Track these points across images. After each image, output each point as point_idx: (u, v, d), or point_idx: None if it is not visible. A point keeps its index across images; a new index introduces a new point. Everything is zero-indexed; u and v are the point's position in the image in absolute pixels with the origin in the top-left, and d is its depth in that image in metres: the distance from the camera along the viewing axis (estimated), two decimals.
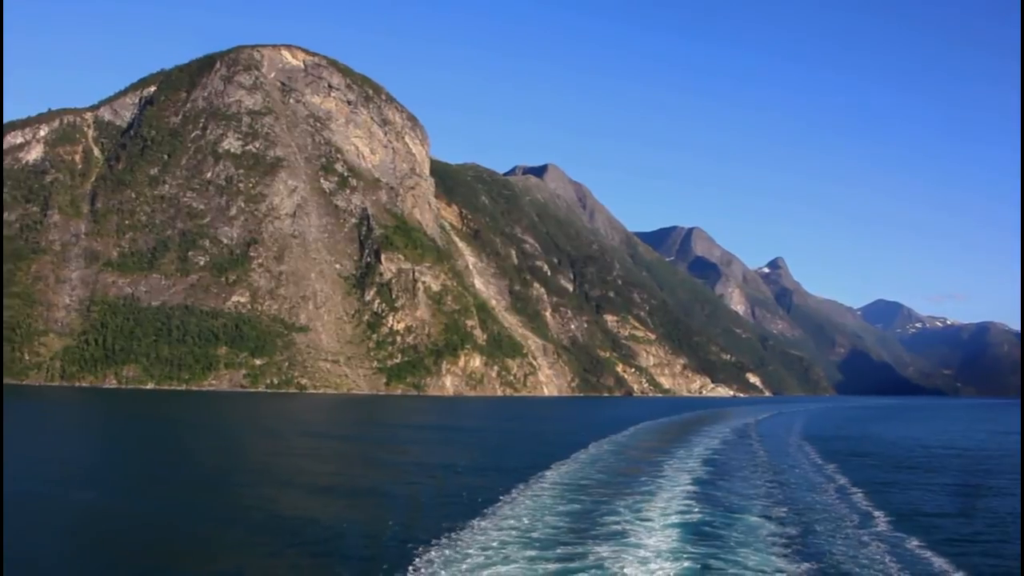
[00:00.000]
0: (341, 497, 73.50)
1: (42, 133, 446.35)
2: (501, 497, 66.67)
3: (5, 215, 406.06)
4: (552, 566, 45.24)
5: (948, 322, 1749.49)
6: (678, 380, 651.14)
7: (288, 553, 49.96)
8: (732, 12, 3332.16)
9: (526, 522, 57.15)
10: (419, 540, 50.15)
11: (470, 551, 47.86)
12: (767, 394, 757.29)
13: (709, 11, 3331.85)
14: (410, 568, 44.06)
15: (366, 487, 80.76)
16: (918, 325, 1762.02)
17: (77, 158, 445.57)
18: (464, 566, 44.76)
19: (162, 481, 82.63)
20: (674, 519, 59.71)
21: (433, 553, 47.11)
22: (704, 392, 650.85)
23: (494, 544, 49.81)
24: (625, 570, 44.39)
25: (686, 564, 46.35)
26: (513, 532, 53.33)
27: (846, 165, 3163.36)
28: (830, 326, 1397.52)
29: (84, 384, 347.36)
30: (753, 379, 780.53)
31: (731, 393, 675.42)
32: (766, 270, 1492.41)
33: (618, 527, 56.17)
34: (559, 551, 48.37)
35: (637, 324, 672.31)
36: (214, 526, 58.87)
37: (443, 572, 43.34)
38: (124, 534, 55.79)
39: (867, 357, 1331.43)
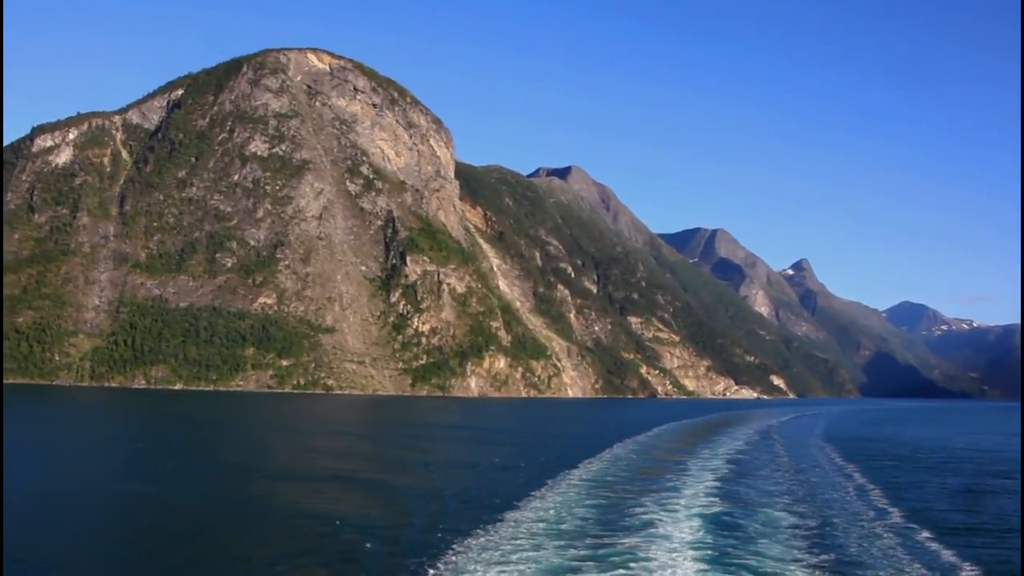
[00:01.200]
0: (374, 493, 76.41)
1: (71, 136, 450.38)
2: (531, 493, 69.30)
3: (36, 217, 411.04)
4: (581, 555, 47.72)
5: (975, 324, 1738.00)
6: (702, 382, 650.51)
7: (330, 542, 53.04)
8: (756, 14, 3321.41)
9: (555, 515, 59.99)
10: (453, 531, 53.24)
11: (502, 542, 50.45)
12: (791, 396, 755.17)
13: (732, 14, 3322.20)
14: (445, 556, 46.92)
15: (399, 483, 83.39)
16: (944, 327, 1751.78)
17: (106, 161, 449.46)
18: (496, 554, 47.44)
19: (201, 476, 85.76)
20: (698, 513, 62.28)
21: (467, 542, 50.12)
22: (728, 394, 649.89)
23: (524, 535, 52.43)
24: (652, 560, 46.59)
25: (710, 554, 48.84)
26: (542, 524, 55.97)
27: (872, 167, 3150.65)
28: (855, 328, 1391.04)
29: (113, 384, 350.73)
30: (777, 381, 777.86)
31: (755, 395, 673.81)
32: (790, 272, 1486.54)
33: (644, 520, 58.80)
34: (587, 541, 50.97)
35: (661, 326, 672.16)
36: (247, 520, 61.51)
37: (476, 561, 46.06)
38: (174, 522, 59.12)
39: (892, 359, 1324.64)
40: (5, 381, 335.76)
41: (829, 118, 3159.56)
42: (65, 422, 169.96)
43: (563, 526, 56.02)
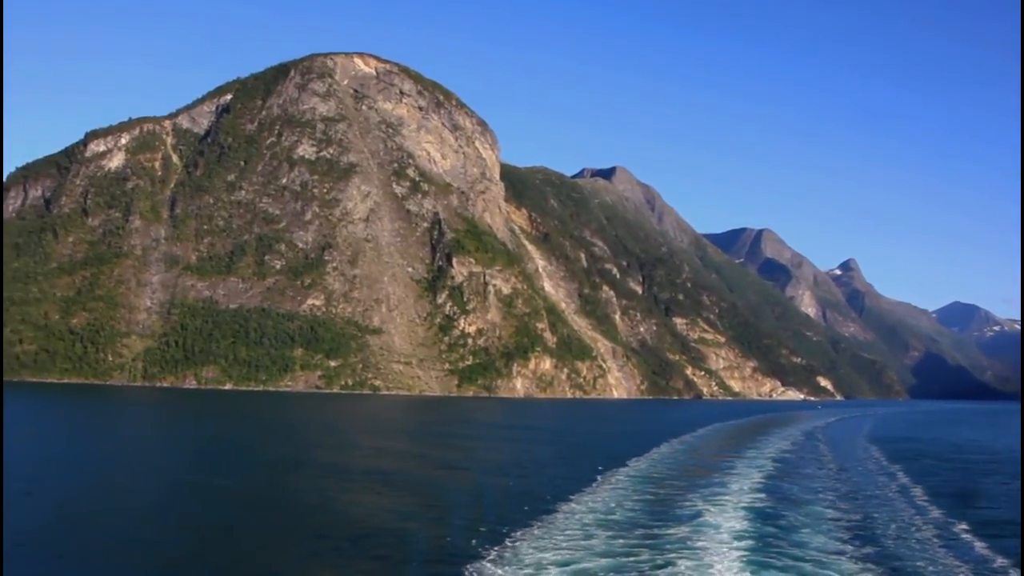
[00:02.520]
0: (431, 487, 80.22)
1: (123, 141, 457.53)
2: (582, 488, 72.27)
3: (89, 220, 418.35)
4: (631, 544, 50.64)
5: None
6: (748, 383, 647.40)
7: (393, 532, 56.66)
8: (801, 19, 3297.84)
9: (606, 507, 62.93)
10: (512, 521, 57.09)
11: (555, 531, 53.77)
12: (838, 398, 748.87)
13: (778, 17, 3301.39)
14: (505, 543, 50.54)
15: (454, 479, 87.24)
16: (996, 328, 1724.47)
17: (157, 165, 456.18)
18: (550, 543, 50.87)
19: (268, 472, 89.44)
20: (744, 506, 64.91)
21: (523, 532, 53.55)
22: (774, 395, 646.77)
23: (576, 526, 55.77)
24: (700, 549, 49.34)
25: (755, 544, 51.58)
26: (594, 516, 59.21)
27: (920, 165, 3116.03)
28: (904, 329, 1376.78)
29: (165, 384, 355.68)
30: (824, 382, 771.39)
31: (801, 396, 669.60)
32: (837, 272, 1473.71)
33: (692, 511, 61.84)
34: (637, 532, 53.79)
35: (707, 327, 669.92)
36: (309, 513, 64.82)
37: (533, 547, 49.45)
38: (253, 514, 62.85)
39: (942, 361, 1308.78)
40: (60, 380, 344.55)
41: (876, 119, 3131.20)
42: (132, 421, 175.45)
43: (614, 517, 59.33)
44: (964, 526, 59.74)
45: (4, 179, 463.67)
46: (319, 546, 52.62)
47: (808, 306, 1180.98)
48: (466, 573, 44.58)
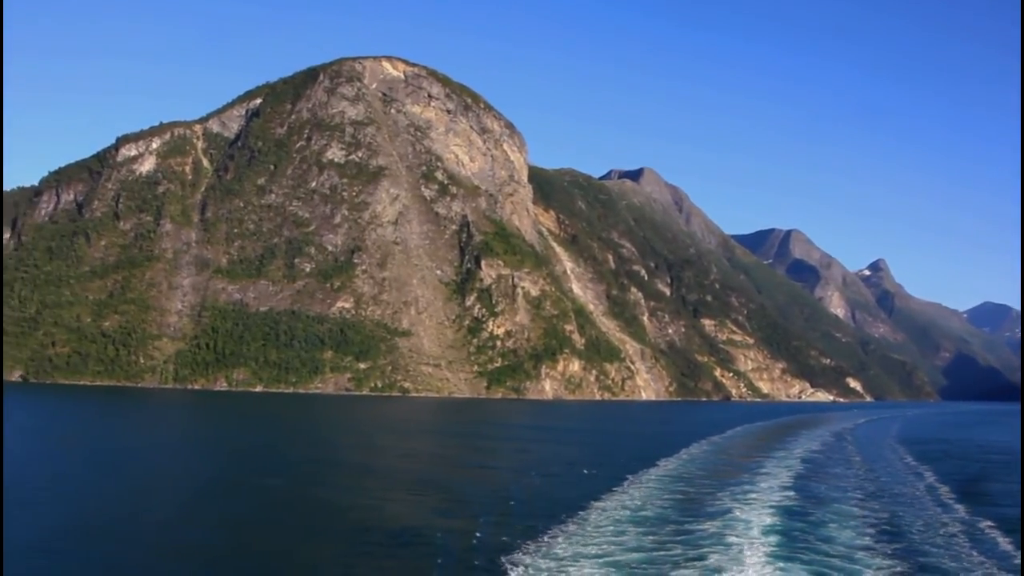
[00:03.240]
0: (472, 485, 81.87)
1: (154, 145, 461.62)
2: (613, 487, 73.73)
3: (121, 224, 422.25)
4: (662, 539, 52.45)
5: None
6: (777, 385, 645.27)
7: (433, 524, 58.11)
8: (825, 22, 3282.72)
9: (637, 504, 64.62)
10: (546, 517, 59.06)
11: (588, 527, 55.75)
12: (868, 399, 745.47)
13: (802, 22, 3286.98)
14: (540, 538, 52.33)
15: (493, 478, 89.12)
16: None
17: (187, 169, 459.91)
18: (585, 537, 52.74)
19: (313, 473, 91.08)
20: (773, 504, 66.38)
21: (557, 528, 55.44)
22: (803, 397, 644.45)
23: (608, 522, 57.78)
24: (730, 545, 50.85)
25: (784, 539, 53.17)
26: (626, 512, 60.75)
27: (951, 165, 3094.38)
28: (934, 330, 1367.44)
29: (196, 387, 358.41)
30: (853, 384, 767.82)
31: (831, 398, 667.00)
32: (867, 272, 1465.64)
33: (722, 508, 63.47)
34: (668, 528, 55.33)
35: (735, 328, 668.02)
36: (353, 510, 66.80)
37: (567, 543, 51.22)
38: (300, 513, 64.02)
39: (973, 362, 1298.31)
40: (92, 383, 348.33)
41: (906, 121, 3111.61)
42: (168, 423, 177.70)
43: (645, 513, 61.00)
44: (989, 523, 60.89)
45: (37, 183, 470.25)
46: (357, 545, 54.05)
47: (837, 307, 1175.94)
48: (503, 565, 46.18)
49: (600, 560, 47.02)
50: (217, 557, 50.30)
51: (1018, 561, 49.85)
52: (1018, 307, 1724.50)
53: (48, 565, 46.89)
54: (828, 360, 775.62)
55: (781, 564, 47.04)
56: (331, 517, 63.54)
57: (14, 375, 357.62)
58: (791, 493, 73.18)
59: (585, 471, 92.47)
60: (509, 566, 46.03)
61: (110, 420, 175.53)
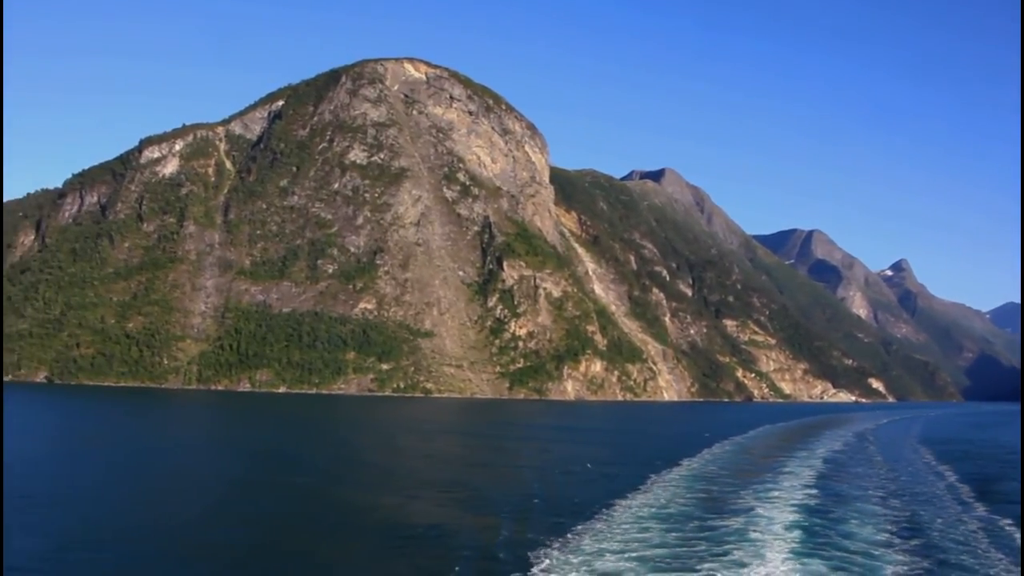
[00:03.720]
0: (500, 483, 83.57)
1: (177, 147, 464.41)
2: (638, 485, 74.46)
3: (145, 226, 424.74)
4: (686, 536, 53.63)
5: None
6: (799, 385, 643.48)
7: (461, 519, 59.92)
8: (846, 21, 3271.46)
9: (661, 502, 65.61)
10: (572, 514, 60.40)
11: (613, 524, 56.90)
12: (890, 400, 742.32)
13: (820, 20, 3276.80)
14: (567, 535, 53.28)
15: (519, 476, 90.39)
16: None
17: (210, 171, 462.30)
18: (610, 534, 54.07)
19: (338, 472, 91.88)
20: (795, 503, 67.52)
21: (582, 525, 56.57)
22: (825, 398, 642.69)
23: (631, 519, 58.95)
24: (752, 541, 51.42)
25: (805, 535, 54.16)
26: (650, 510, 61.75)
27: (974, 164, 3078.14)
28: (957, 330, 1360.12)
29: (219, 388, 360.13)
30: (876, 384, 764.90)
31: (853, 399, 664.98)
32: (889, 272, 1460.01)
33: (745, 506, 64.53)
34: (692, 524, 56.19)
35: (757, 329, 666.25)
36: (383, 508, 67.83)
37: (593, 539, 52.30)
38: (334, 512, 64.76)
39: (996, 362, 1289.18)
40: (116, 384, 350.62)
41: (928, 122, 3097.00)
42: (194, 423, 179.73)
43: (668, 511, 61.97)
44: (1008, 521, 61.12)
45: (61, 185, 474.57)
46: (386, 541, 55.08)
47: (859, 307, 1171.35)
48: (530, 559, 47.19)
49: (624, 555, 47.96)
50: (242, 555, 51.15)
51: None
52: None
53: (81, 562, 47.99)
54: (850, 361, 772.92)
55: (803, 560, 47.77)
56: (360, 515, 64.78)
57: (39, 376, 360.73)
58: (813, 491, 74.23)
59: (608, 470, 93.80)
60: (536, 560, 47.03)
61: (137, 421, 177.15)
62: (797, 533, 54.32)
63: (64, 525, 56.30)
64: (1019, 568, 47.21)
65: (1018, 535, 56.55)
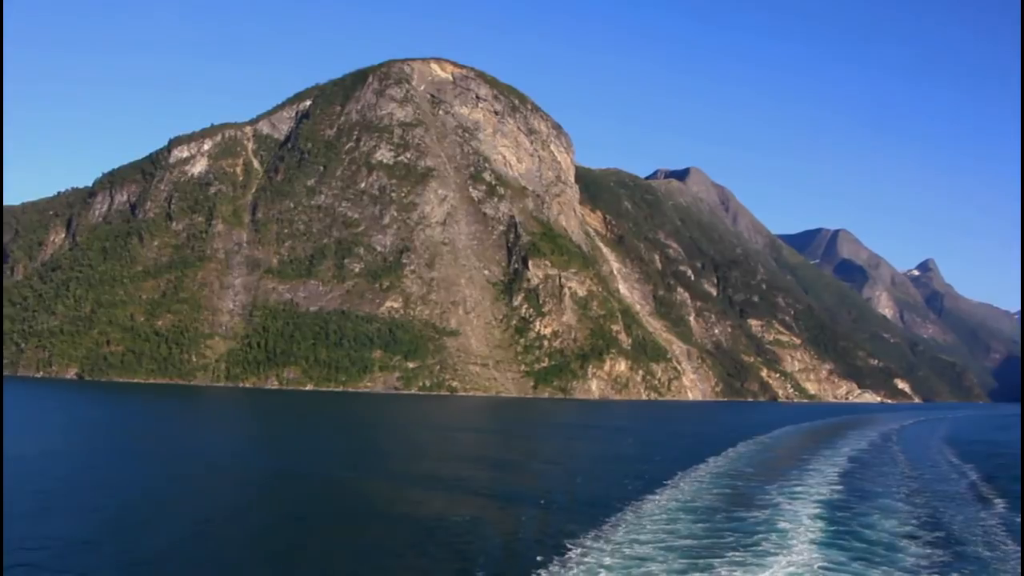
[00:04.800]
0: (534, 478, 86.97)
1: (206, 147, 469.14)
2: (666, 481, 76.75)
3: (174, 225, 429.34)
4: (713, 527, 55.97)
5: None
6: (824, 386, 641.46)
7: (492, 511, 62.48)
8: (868, 20, 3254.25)
9: (688, 496, 68.00)
10: (602, 505, 63.38)
11: (642, 517, 59.21)
12: (916, 400, 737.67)
13: (843, 20, 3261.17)
14: (601, 526, 55.93)
15: (551, 471, 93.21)
16: None
17: (238, 170, 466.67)
18: (638, 523, 56.55)
19: (377, 469, 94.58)
20: (819, 498, 69.76)
21: (613, 517, 59.10)
22: (851, 398, 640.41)
23: (660, 512, 61.65)
24: (779, 531, 53.81)
25: (830, 528, 56.33)
26: (676, 502, 64.06)
27: (1001, 163, 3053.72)
28: (984, 331, 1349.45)
29: (247, 385, 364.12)
30: (902, 385, 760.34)
31: (878, 399, 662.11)
32: (916, 272, 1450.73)
33: (770, 501, 66.84)
34: (718, 517, 58.60)
35: (782, 329, 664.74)
36: (413, 506, 69.75)
37: (624, 530, 54.88)
38: (365, 503, 67.31)
39: None
40: (146, 381, 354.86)
41: (954, 119, 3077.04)
42: (232, 420, 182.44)
43: (695, 504, 64.13)
44: None
45: (91, 184, 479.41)
46: (426, 533, 56.75)
47: (885, 307, 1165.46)
48: (568, 547, 49.45)
49: (653, 545, 50.24)
50: (276, 547, 52.42)
51: None
52: None
53: (124, 552, 49.91)
54: (876, 361, 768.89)
55: (826, 550, 49.87)
56: (405, 507, 66.93)
57: (70, 373, 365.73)
58: (837, 487, 76.39)
59: (636, 466, 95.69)
60: (570, 546, 49.39)
61: (174, 417, 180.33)
62: (821, 525, 56.59)
63: (111, 518, 58.52)
64: (1020, 569, 48.27)
65: None
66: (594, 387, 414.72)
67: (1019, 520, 61.70)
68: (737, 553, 48.44)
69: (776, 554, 48.43)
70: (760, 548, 49.72)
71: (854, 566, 46.75)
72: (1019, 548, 51.97)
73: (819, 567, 46.29)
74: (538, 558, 47.09)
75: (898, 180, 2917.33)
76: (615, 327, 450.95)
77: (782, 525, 56.11)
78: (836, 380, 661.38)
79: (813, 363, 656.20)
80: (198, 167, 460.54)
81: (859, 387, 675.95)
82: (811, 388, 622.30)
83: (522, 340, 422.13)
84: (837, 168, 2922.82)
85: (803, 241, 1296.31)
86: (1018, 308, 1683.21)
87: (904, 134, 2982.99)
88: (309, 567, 47.10)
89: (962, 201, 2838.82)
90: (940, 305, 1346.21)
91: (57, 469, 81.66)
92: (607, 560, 46.56)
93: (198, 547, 51.28)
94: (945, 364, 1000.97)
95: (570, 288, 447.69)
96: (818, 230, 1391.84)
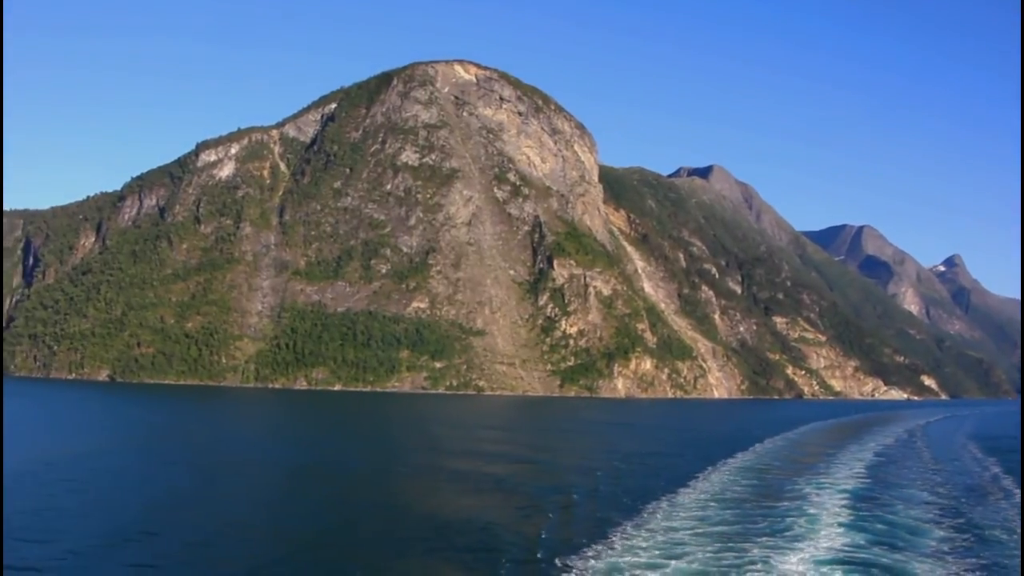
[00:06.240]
0: (571, 473, 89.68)
1: (233, 151, 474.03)
2: (696, 474, 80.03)
3: (202, 228, 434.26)
4: (742, 516, 59.14)
5: None
6: (849, 383, 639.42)
7: (537, 500, 64.95)
8: (895, 8, 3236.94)
9: (718, 489, 71.20)
10: (641, 496, 66.77)
11: (674, 508, 62.38)
12: (943, 397, 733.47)
13: (870, 8, 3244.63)
14: (641, 512, 59.62)
15: (584, 466, 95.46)
16: None
17: (265, 173, 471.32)
18: (672, 511, 60.11)
19: (403, 466, 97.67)
20: (845, 489, 72.93)
21: (648, 506, 62.47)
22: (877, 395, 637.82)
23: (694, 502, 64.88)
24: (804, 523, 56.83)
25: (855, 519, 58.74)
26: (705, 496, 67.18)
27: None
28: (1012, 326, 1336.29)
29: (276, 386, 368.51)
30: (928, 382, 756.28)
31: (905, 396, 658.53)
32: (942, 268, 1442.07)
33: (798, 492, 70.02)
34: (749, 505, 61.91)
35: (807, 326, 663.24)
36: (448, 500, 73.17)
37: (661, 517, 58.16)
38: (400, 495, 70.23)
39: None
40: (176, 382, 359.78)
41: (979, 112, 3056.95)
42: (270, 420, 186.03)
43: (725, 496, 67.40)
44: None
45: (120, 188, 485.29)
46: (463, 526, 59.22)
47: (911, 304, 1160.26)
48: (606, 531, 52.68)
49: (687, 531, 53.21)
50: (304, 540, 53.93)
51: None
52: None
53: (177, 539, 53.01)
54: (902, 358, 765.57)
55: (853, 536, 52.66)
56: (440, 504, 69.35)
57: (101, 374, 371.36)
58: (863, 479, 79.24)
59: (666, 461, 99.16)
60: (610, 531, 52.67)
61: (213, 417, 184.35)
62: (848, 512, 59.57)
63: (172, 516, 61.48)
64: (1020, 569, 49.40)
65: None
66: (620, 386, 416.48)
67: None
68: (769, 538, 51.27)
69: (807, 538, 51.23)
70: (791, 532, 52.64)
71: (876, 550, 49.17)
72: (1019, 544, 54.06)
73: (847, 550, 48.83)
74: (583, 540, 50.17)
75: (924, 175, 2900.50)
76: (640, 326, 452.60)
77: (811, 512, 59.13)
78: (862, 377, 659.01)
79: (839, 360, 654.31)
80: (226, 170, 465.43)
81: (885, 384, 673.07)
82: (837, 385, 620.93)
83: (548, 339, 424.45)
84: (862, 164, 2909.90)
85: (827, 238, 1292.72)
86: None
87: (929, 130, 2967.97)
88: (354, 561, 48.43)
89: (989, 196, 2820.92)
90: (967, 301, 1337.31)
91: (111, 464, 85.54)
92: (643, 544, 49.56)
93: (237, 536, 54.40)
94: (972, 360, 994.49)
95: (595, 287, 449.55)
96: (842, 226, 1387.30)
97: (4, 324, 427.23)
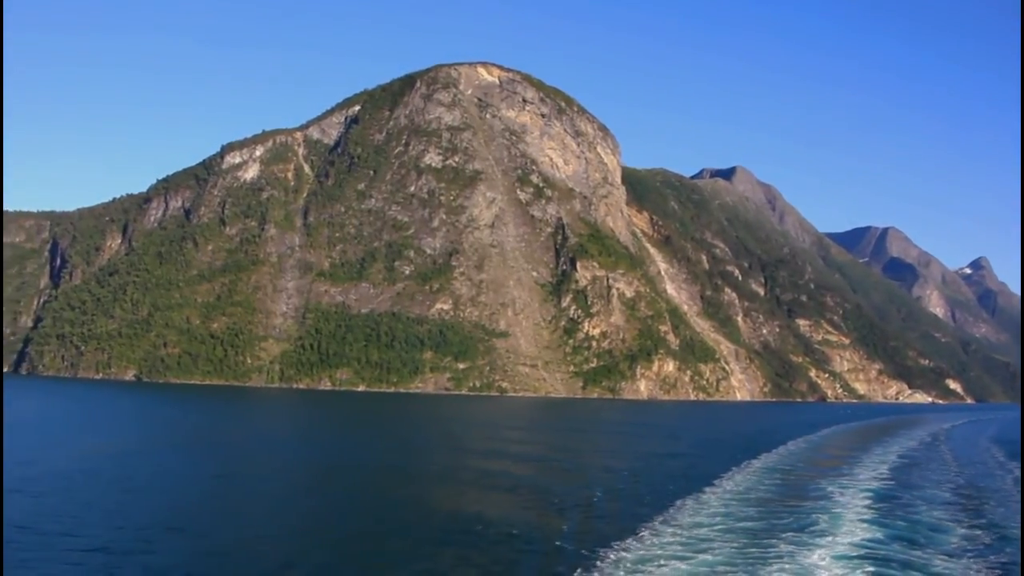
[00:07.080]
0: (601, 471, 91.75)
1: (258, 153, 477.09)
2: (721, 474, 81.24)
3: (227, 229, 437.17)
4: (766, 512, 60.65)
5: None
6: (873, 386, 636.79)
7: (565, 499, 66.55)
8: (919, 11, 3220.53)
9: (742, 488, 72.40)
10: (669, 494, 68.13)
11: (704, 504, 63.61)
12: (969, 401, 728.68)
13: (893, 11, 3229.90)
14: (668, 509, 61.43)
15: (614, 465, 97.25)
16: None
17: (290, 175, 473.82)
18: (698, 508, 61.61)
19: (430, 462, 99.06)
20: (869, 488, 74.36)
21: (682, 500, 64.55)
22: (901, 398, 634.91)
23: (720, 500, 66.64)
24: (828, 520, 57.95)
25: (877, 517, 59.96)
26: (728, 495, 68.57)
27: None
28: None
29: (301, 386, 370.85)
30: (953, 385, 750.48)
31: (929, 400, 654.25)
32: (967, 270, 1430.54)
33: (822, 492, 71.31)
34: (774, 504, 63.24)
35: (830, 328, 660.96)
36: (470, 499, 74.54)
37: (688, 513, 59.89)
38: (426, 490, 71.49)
39: None
40: (202, 382, 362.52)
41: (1002, 114, 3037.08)
42: (296, 419, 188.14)
43: (751, 496, 68.51)
44: None
45: (146, 191, 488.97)
46: (509, 518, 60.41)
47: (936, 306, 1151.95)
48: (639, 530, 53.50)
49: (713, 527, 54.65)
50: (325, 537, 54.93)
51: None
52: None
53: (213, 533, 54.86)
54: (927, 361, 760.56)
55: (876, 533, 53.89)
56: (469, 500, 71.12)
57: (128, 374, 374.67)
58: (887, 481, 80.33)
59: (691, 461, 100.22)
60: (638, 526, 54.15)
61: (241, 417, 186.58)
62: (871, 512, 60.79)
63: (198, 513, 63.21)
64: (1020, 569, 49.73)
65: None
66: (643, 387, 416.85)
67: None
68: (794, 534, 52.40)
69: (830, 534, 52.38)
70: (815, 528, 53.87)
71: (896, 546, 50.27)
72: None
73: (869, 547, 49.93)
74: (613, 533, 51.74)
75: (949, 177, 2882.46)
76: (663, 327, 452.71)
77: (836, 511, 60.35)
78: (886, 380, 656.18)
79: (862, 363, 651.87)
80: (250, 172, 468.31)
81: (909, 387, 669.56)
82: (860, 388, 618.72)
83: (571, 341, 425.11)
84: (887, 166, 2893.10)
85: (851, 239, 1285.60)
86: None
87: (954, 131, 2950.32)
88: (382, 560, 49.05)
89: (1016, 198, 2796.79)
90: (993, 304, 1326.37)
91: (155, 463, 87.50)
92: (670, 539, 50.87)
93: (272, 534, 55.49)
94: (999, 364, 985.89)
95: (618, 289, 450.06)
96: (867, 228, 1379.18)
97: (31, 324, 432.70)
